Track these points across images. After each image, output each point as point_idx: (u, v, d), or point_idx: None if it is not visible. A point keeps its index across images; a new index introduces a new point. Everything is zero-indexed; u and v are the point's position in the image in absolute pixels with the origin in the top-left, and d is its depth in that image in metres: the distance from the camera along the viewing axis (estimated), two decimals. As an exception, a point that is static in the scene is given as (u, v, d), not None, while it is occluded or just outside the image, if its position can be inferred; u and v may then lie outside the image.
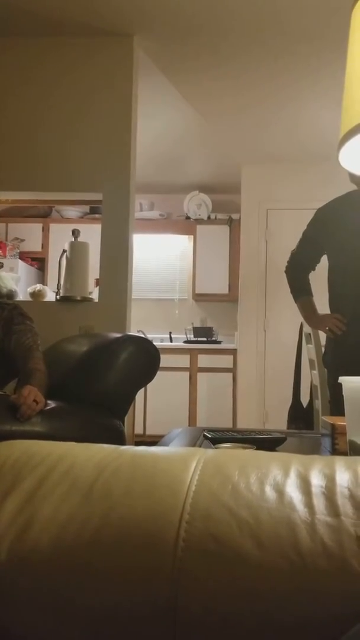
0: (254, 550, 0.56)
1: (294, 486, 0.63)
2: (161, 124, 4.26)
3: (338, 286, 2.45)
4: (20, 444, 0.77)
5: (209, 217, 5.52)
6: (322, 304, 2.57)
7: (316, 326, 2.61)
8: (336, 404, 2.31)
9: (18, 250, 5.40)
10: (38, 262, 5.53)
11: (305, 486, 0.63)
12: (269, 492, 0.62)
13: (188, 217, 5.54)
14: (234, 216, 5.41)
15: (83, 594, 0.57)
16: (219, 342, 5.37)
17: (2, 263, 5.01)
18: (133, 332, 3.17)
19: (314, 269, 2.60)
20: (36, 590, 0.59)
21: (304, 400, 3.20)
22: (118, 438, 2.08)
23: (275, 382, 4.71)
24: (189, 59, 3.41)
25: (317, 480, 0.62)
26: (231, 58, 3.41)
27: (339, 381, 1.12)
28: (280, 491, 0.62)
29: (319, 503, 0.59)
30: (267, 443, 1.40)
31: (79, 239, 3.35)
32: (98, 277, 3.26)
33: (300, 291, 2.58)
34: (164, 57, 3.39)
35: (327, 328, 2.46)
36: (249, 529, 0.58)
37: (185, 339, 5.41)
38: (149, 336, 4.30)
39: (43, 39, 3.24)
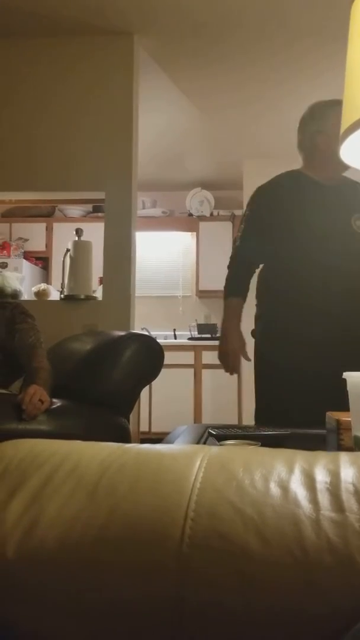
0: (259, 546, 0.57)
1: (298, 482, 0.63)
2: (162, 121, 4.26)
3: (295, 277, 2.03)
4: (26, 443, 0.77)
5: (211, 214, 5.51)
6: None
7: (223, 339, 2.26)
8: (271, 409, 2.03)
9: (22, 250, 5.41)
10: (42, 261, 5.54)
11: (309, 482, 0.63)
12: (274, 488, 0.62)
13: (190, 214, 5.53)
14: (237, 212, 5.40)
15: (89, 590, 0.58)
16: (223, 339, 5.37)
17: (7, 263, 5.03)
18: (137, 330, 3.18)
19: (258, 266, 2.25)
20: (43, 587, 0.59)
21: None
22: (123, 435, 2.09)
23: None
24: (189, 56, 3.41)
25: (321, 476, 0.62)
26: (231, 54, 3.40)
27: (343, 376, 1.11)
28: (284, 487, 0.62)
29: (324, 499, 0.59)
30: (272, 439, 1.40)
31: (82, 238, 3.35)
32: (102, 275, 3.26)
33: (234, 291, 2.27)
34: (164, 54, 3.38)
35: (223, 352, 2.15)
36: (254, 525, 0.58)
37: (190, 336, 5.41)
38: (153, 333, 4.31)
39: (43, 39, 3.24)
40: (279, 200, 2.05)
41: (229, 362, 2.17)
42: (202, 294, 5.59)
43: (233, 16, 3.03)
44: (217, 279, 5.59)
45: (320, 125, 2.01)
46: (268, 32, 3.16)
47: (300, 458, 0.68)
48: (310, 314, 1.98)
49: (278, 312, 2.04)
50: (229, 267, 2.30)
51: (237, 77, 3.67)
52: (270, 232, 2.08)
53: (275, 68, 3.54)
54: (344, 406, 1.22)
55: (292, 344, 2.02)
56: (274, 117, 4.24)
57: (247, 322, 2.28)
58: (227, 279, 2.31)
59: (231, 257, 2.26)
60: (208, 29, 3.15)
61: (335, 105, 2.04)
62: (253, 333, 2.13)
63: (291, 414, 1.86)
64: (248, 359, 2.19)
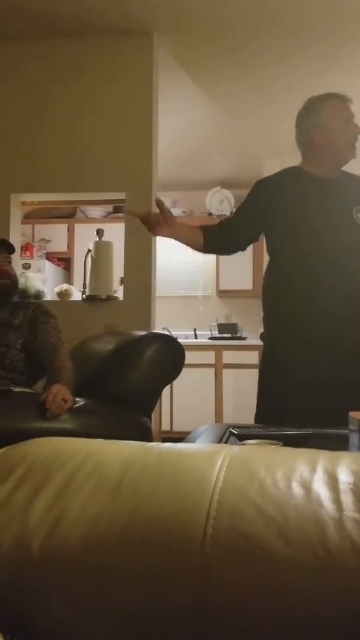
0: (282, 547, 0.56)
1: (321, 482, 0.62)
2: (182, 120, 4.26)
3: (297, 273, 1.93)
4: (50, 441, 0.78)
5: (231, 213, 5.50)
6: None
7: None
8: (271, 410, 1.91)
9: (44, 251, 5.46)
10: (64, 262, 5.59)
11: (332, 482, 0.62)
12: (296, 488, 0.62)
13: (210, 214, 5.52)
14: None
15: (112, 590, 0.58)
16: (244, 338, 5.35)
17: (30, 264, 5.08)
18: (158, 330, 3.18)
19: (243, 248, 2.07)
20: (66, 585, 0.60)
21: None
22: (145, 435, 2.10)
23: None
24: (209, 55, 3.41)
25: (344, 477, 0.62)
26: (252, 52, 3.39)
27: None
28: (307, 487, 0.62)
29: (347, 499, 0.59)
30: (294, 439, 1.39)
31: (103, 239, 3.37)
32: (122, 275, 3.27)
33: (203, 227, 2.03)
34: (184, 53, 3.39)
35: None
36: (277, 525, 0.58)
37: (210, 336, 5.41)
38: (174, 333, 4.31)
39: (61, 40, 3.27)
40: (280, 194, 1.99)
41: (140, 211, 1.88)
42: (223, 294, 5.58)
43: (254, 13, 3.02)
44: (237, 279, 5.60)
45: (315, 119, 2.00)
46: (288, 30, 3.14)
47: (322, 458, 0.68)
48: (312, 308, 1.92)
49: (280, 309, 1.99)
50: None
51: (257, 75, 3.65)
52: (269, 225, 2.01)
53: (296, 65, 3.52)
54: (349, 404, 1.21)
55: (292, 340, 1.95)
56: (294, 114, 4.21)
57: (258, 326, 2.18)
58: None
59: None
60: (228, 28, 3.14)
61: (330, 99, 2.02)
62: (262, 336, 2.09)
63: (291, 416, 1.77)
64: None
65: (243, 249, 2.10)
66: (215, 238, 2.02)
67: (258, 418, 1.97)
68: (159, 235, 1.89)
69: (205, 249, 2.02)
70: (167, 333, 2.59)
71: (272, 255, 2.05)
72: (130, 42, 3.23)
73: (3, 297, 2.32)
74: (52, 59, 3.31)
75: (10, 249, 2.37)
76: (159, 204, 1.81)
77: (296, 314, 1.94)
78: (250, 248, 5.08)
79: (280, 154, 5.03)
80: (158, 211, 1.81)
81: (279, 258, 2.01)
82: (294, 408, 1.86)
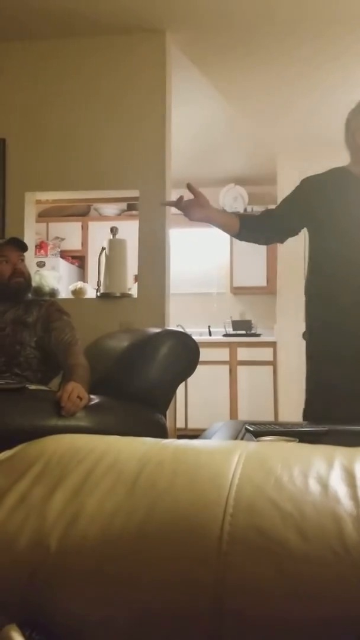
0: (299, 543, 0.56)
1: (338, 479, 0.62)
2: (195, 117, 4.25)
3: (337, 271, 1.99)
4: (66, 438, 0.79)
5: (245, 210, 5.48)
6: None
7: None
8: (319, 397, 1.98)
9: (59, 249, 5.48)
10: (78, 260, 5.61)
11: (349, 479, 0.62)
12: (313, 485, 0.61)
13: (224, 211, 5.52)
14: (271, 207, 5.35)
15: (129, 585, 0.59)
16: (259, 335, 5.34)
17: (44, 262, 5.11)
18: (172, 327, 3.19)
19: (281, 240, 2.13)
20: (84, 581, 0.60)
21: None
22: (160, 432, 2.10)
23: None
24: (221, 52, 3.39)
25: (361, 473, 0.62)
26: (264, 48, 3.36)
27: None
28: (324, 484, 0.61)
29: (365, 496, 0.59)
30: (310, 436, 1.39)
31: (117, 236, 3.38)
32: (137, 273, 3.28)
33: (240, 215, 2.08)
34: (196, 50, 3.38)
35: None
36: (294, 521, 0.58)
37: (224, 333, 5.40)
38: (188, 330, 4.31)
39: (74, 39, 3.27)
40: (326, 193, 2.04)
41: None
42: (237, 291, 5.56)
43: (265, 9, 3.00)
44: (251, 276, 5.58)
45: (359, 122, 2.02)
46: (302, 22, 3.11)
47: (339, 454, 0.67)
48: (348, 306, 1.97)
49: (319, 303, 2.04)
50: None
51: (271, 71, 3.63)
52: (315, 221, 2.05)
53: (311, 59, 3.49)
54: None
55: (330, 336, 2.00)
56: (308, 111, 4.18)
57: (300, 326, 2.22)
58: None
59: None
60: (240, 24, 3.13)
61: None
62: (304, 335, 2.12)
63: (333, 409, 1.87)
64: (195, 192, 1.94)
65: (281, 240, 2.14)
66: (253, 227, 2.06)
67: (305, 414, 2.01)
68: (194, 219, 1.92)
69: (240, 235, 2.06)
70: (181, 330, 2.60)
71: (315, 253, 2.08)
72: (143, 40, 3.23)
73: (17, 295, 2.33)
74: (65, 57, 3.32)
75: (23, 248, 2.39)
76: (190, 188, 1.86)
77: (330, 310, 1.99)
78: (264, 246, 5.06)
79: (294, 150, 5.00)
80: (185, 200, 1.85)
81: (323, 257, 2.04)
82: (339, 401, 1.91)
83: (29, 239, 3.28)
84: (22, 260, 2.38)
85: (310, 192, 2.06)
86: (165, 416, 2.24)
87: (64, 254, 5.48)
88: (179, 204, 1.89)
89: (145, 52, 3.25)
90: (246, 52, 3.42)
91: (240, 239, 2.10)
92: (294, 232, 2.11)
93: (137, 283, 3.32)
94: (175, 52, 3.32)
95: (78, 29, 3.21)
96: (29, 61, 3.34)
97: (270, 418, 4.93)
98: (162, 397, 2.23)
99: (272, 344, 5.12)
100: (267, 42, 3.31)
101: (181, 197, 1.90)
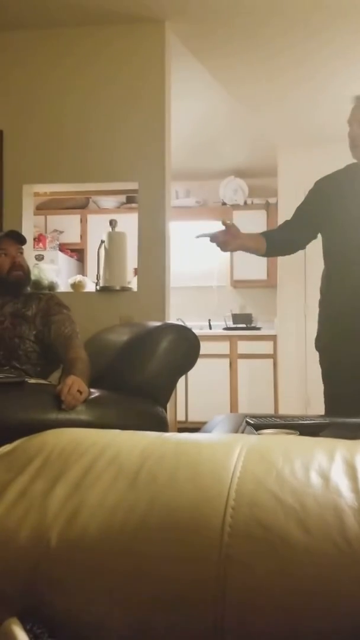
0: (301, 535, 0.56)
1: (339, 472, 0.62)
2: (195, 109, 4.22)
3: (347, 267, 2.07)
4: (67, 432, 0.78)
5: (245, 203, 5.46)
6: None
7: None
8: (332, 397, 2.10)
9: (57, 242, 5.46)
10: (77, 253, 5.59)
11: (351, 471, 0.62)
12: (314, 477, 0.61)
13: (224, 203, 5.49)
14: (271, 200, 5.33)
15: (131, 578, 0.59)
16: (259, 329, 5.33)
17: (43, 255, 5.09)
18: (172, 321, 3.18)
19: (302, 247, 2.21)
20: (85, 575, 0.60)
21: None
22: (161, 425, 2.10)
23: (316, 367, 4.64)
24: (221, 42, 3.37)
25: (363, 466, 0.61)
26: (265, 38, 3.34)
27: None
28: (325, 477, 0.61)
29: (366, 489, 0.59)
30: (311, 429, 1.39)
31: (117, 229, 3.37)
32: (136, 266, 3.27)
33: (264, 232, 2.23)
34: (197, 41, 3.35)
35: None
36: (295, 514, 0.58)
37: (225, 326, 5.39)
38: (189, 324, 4.31)
39: (72, 29, 3.24)
40: (338, 193, 2.09)
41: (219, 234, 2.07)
42: (237, 284, 5.55)
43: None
44: (252, 269, 5.57)
45: None
46: (303, 14, 3.09)
47: (341, 447, 0.67)
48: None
49: (331, 298, 2.13)
50: None
51: (272, 62, 3.61)
52: (321, 224, 2.11)
53: (313, 50, 3.46)
54: None
55: (340, 332, 2.08)
56: (309, 102, 4.16)
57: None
58: None
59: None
60: (241, 14, 3.10)
61: None
62: (316, 345, 2.21)
63: (343, 400, 1.97)
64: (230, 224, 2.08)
65: (303, 247, 2.23)
66: (276, 242, 2.18)
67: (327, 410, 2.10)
68: (227, 250, 2.14)
69: (267, 254, 2.21)
70: (181, 324, 2.59)
71: (330, 252, 2.14)
72: (142, 31, 3.20)
73: (16, 289, 2.33)
74: (63, 47, 3.29)
75: (22, 241, 2.38)
76: (226, 224, 2.04)
77: (341, 303, 2.07)
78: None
79: (294, 142, 4.98)
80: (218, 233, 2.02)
81: (329, 252, 2.12)
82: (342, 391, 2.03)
83: (27, 232, 3.26)
84: (21, 253, 2.37)
85: (323, 193, 2.12)
86: (165, 409, 2.24)
87: (62, 247, 5.46)
88: (213, 238, 2.06)
89: (144, 43, 3.22)
90: (246, 43, 3.39)
91: (267, 256, 2.27)
92: (313, 236, 2.19)
93: (136, 276, 3.31)
94: (175, 42, 3.29)
95: (76, 18, 3.18)
96: (26, 52, 3.32)
97: (271, 411, 4.93)
98: (163, 391, 2.23)
99: (273, 337, 5.12)
100: (267, 32, 3.28)
101: (216, 232, 2.07)
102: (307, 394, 4.88)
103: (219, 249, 2.10)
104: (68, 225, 5.60)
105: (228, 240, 2.05)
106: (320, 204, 2.10)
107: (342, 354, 2.07)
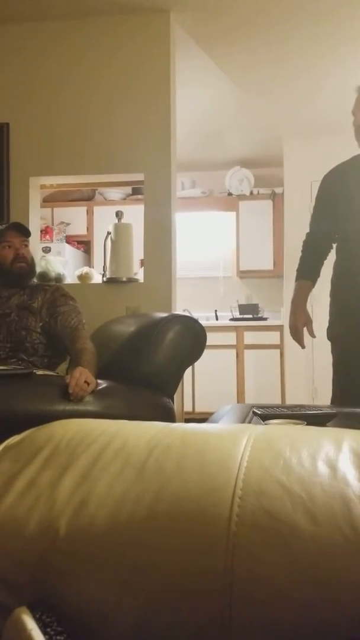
0: (308, 525, 0.56)
1: (347, 461, 0.62)
2: (200, 99, 4.20)
3: (348, 262, 2.18)
4: (74, 423, 0.79)
5: (251, 193, 5.43)
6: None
7: (292, 315, 2.38)
8: (344, 385, 2.18)
9: (64, 234, 5.47)
10: (84, 245, 5.60)
11: (358, 461, 0.62)
12: (322, 467, 0.61)
13: (230, 194, 5.46)
14: (277, 190, 5.30)
15: (139, 568, 0.59)
16: (265, 319, 5.32)
17: (50, 247, 5.10)
18: (179, 311, 3.18)
19: (332, 248, 2.32)
20: (93, 564, 0.60)
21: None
22: (168, 416, 2.11)
23: (323, 357, 4.62)
24: (227, 32, 3.34)
25: (371, 455, 0.61)
26: (270, 27, 3.31)
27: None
28: (333, 466, 0.61)
29: (374, 478, 0.58)
30: (318, 419, 1.39)
31: (123, 221, 3.36)
32: (143, 257, 3.27)
33: (303, 273, 2.35)
34: (201, 30, 3.32)
35: (293, 326, 2.31)
36: (302, 504, 0.58)
37: (231, 317, 5.39)
38: (195, 315, 4.30)
39: (76, 21, 3.22)
40: (345, 185, 2.13)
41: (298, 335, 2.30)
42: (243, 274, 5.53)
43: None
44: (258, 259, 5.55)
45: None
46: (307, 3, 3.05)
47: (348, 437, 0.67)
48: None
49: (342, 291, 2.20)
50: (302, 251, 2.38)
51: (277, 51, 3.57)
52: (334, 216, 2.17)
53: (317, 39, 3.43)
54: None
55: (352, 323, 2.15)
56: (315, 92, 4.12)
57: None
58: (299, 263, 2.39)
59: (303, 242, 2.35)
60: (245, 3, 3.07)
61: None
62: (328, 334, 2.27)
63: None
64: (313, 336, 2.30)
65: (331, 249, 2.32)
66: (313, 265, 2.33)
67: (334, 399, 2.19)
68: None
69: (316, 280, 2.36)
70: (188, 314, 2.59)
71: (341, 244, 2.21)
72: (147, 21, 3.18)
73: (21, 281, 2.33)
74: (68, 39, 3.27)
75: (26, 233, 2.38)
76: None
77: (351, 295, 2.15)
78: (269, 227, 5.05)
79: (300, 132, 4.94)
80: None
81: (348, 248, 2.17)
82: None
83: (34, 224, 3.26)
84: (26, 245, 2.37)
85: (330, 187, 2.17)
86: (172, 400, 2.25)
87: (69, 239, 5.47)
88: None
89: (149, 33, 3.20)
90: (251, 33, 3.36)
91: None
92: (335, 239, 2.27)
93: (143, 267, 3.31)
94: (180, 32, 3.27)
95: (80, 10, 3.16)
96: (31, 44, 3.30)
97: (277, 401, 4.93)
98: (170, 381, 2.23)
99: (279, 328, 5.10)
100: (271, 22, 3.25)
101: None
102: (314, 384, 4.88)
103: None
104: (74, 217, 5.60)
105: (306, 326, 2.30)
106: (329, 198, 2.16)
107: (354, 345, 2.14)
